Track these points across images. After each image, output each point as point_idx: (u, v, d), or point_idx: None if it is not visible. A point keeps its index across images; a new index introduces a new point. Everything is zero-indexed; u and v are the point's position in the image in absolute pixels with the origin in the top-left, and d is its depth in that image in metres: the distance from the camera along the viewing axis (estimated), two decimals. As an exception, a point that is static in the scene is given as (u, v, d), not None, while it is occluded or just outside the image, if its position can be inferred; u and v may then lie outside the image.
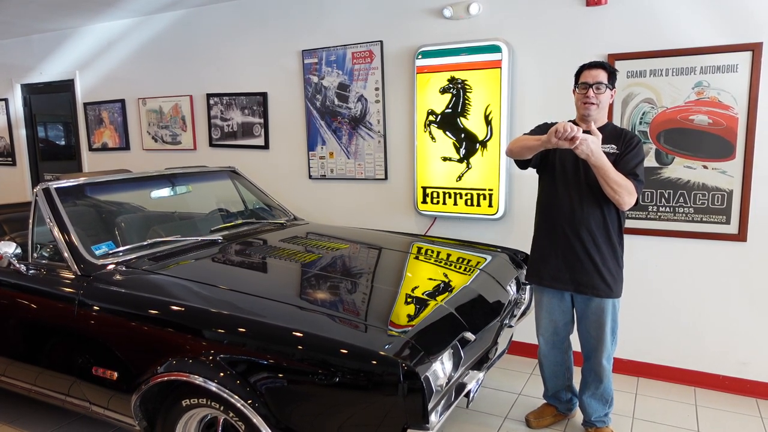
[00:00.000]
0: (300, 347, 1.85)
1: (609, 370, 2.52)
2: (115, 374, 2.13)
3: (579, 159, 2.35)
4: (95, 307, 2.21)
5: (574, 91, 2.46)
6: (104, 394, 2.22)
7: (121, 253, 2.50)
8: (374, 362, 1.74)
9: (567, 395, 2.76)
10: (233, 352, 1.91)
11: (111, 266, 2.39)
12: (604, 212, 2.39)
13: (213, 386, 1.89)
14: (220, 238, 2.84)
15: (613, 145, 2.37)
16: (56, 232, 2.42)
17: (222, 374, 1.90)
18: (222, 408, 1.95)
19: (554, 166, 2.48)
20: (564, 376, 2.71)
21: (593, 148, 2.18)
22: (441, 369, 1.89)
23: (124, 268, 2.39)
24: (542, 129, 2.54)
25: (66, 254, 2.37)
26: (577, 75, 2.45)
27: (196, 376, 1.92)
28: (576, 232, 2.41)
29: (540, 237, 2.57)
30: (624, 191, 2.27)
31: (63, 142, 5.80)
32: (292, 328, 1.90)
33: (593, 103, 2.36)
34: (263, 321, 1.96)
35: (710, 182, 2.96)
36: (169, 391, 2.08)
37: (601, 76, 2.35)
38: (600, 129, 2.37)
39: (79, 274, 2.33)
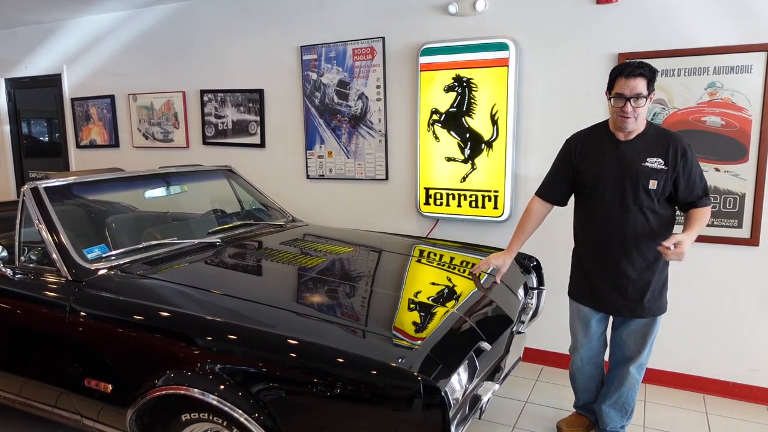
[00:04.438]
0: (308, 358, 1.74)
1: (638, 380, 2.42)
2: (110, 386, 2.01)
3: (625, 181, 2.23)
4: (88, 315, 2.08)
5: (607, 93, 2.24)
6: (97, 406, 2.09)
7: (114, 257, 2.37)
8: (389, 375, 1.63)
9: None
10: (235, 363, 1.80)
11: (104, 271, 2.26)
12: (655, 231, 2.24)
13: (213, 399, 1.78)
14: (218, 240, 2.72)
15: (660, 159, 2.18)
16: (45, 234, 2.28)
17: (223, 387, 1.79)
18: (224, 423, 1.84)
19: (596, 188, 2.30)
20: (597, 389, 2.61)
21: (684, 250, 2.06)
22: (458, 382, 1.80)
23: (118, 273, 2.26)
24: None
25: (56, 258, 2.24)
26: (611, 80, 2.18)
27: (195, 389, 1.81)
28: (629, 258, 2.26)
29: (588, 263, 2.41)
30: (703, 227, 2.22)
31: (49, 139, 5.61)
32: (299, 337, 1.79)
33: (630, 117, 2.16)
34: (268, 330, 1.85)
35: (722, 185, 2.90)
36: (167, 404, 1.96)
37: (641, 86, 2.10)
38: (639, 135, 2.24)
39: (69, 279, 2.19)
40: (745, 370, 3.00)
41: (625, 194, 2.23)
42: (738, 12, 2.79)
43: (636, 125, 2.21)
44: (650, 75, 2.14)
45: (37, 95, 5.50)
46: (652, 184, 2.19)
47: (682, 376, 3.13)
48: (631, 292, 2.29)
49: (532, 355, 3.43)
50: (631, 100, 2.12)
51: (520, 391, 3.12)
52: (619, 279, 2.30)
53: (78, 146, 5.19)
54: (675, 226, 2.33)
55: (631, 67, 2.13)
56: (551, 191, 2.48)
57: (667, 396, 3.07)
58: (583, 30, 3.11)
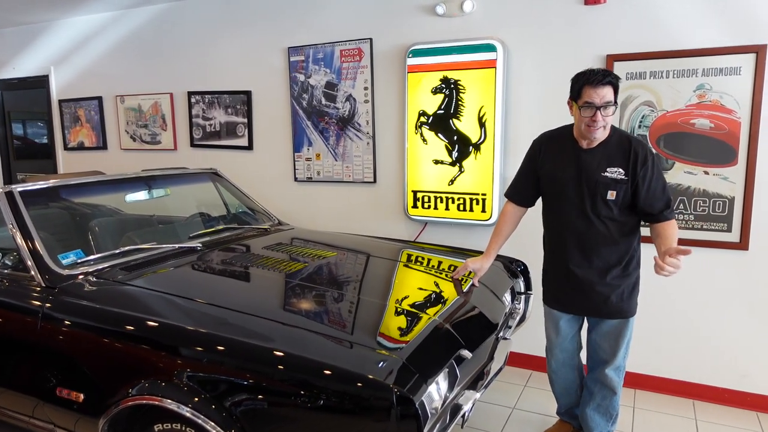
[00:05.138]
0: (282, 368, 1.70)
1: (618, 382, 2.38)
2: (81, 396, 1.96)
3: (584, 190, 2.18)
4: (60, 322, 2.03)
5: (570, 103, 2.20)
6: (70, 416, 2.04)
7: (90, 262, 2.32)
8: (364, 386, 1.59)
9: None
10: (209, 374, 1.75)
11: (80, 276, 2.21)
12: (615, 236, 2.21)
13: (187, 412, 1.73)
14: (200, 245, 2.67)
15: (620, 169, 2.14)
16: (19, 239, 2.23)
17: (197, 398, 1.74)
18: (198, 434, 1.79)
19: (555, 194, 2.30)
20: (576, 393, 2.58)
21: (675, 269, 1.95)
22: (436, 391, 1.75)
23: (93, 279, 2.21)
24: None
25: (29, 264, 2.19)
26: (578, 89, 2.11)
27: (169, 401, 1.76)
28: (589, 262, 2.24)
29: (552, 265, 2.41)
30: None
31: (39, 141, 5.56)
32: (274, 347, 1.74)
33: (599, 127, 2.10)
34: (243, 340, 1.80)
35: (711, 188, 2.86)
36: (140, 414, 1.91)
37: (609, 94, 2.05)
38: (602, 143, 2.19)
39: (43, 285, 2.15)
40: (735, 376, 2.96)
41: (584, 203, 2.20)
42: (727, 13, 2.75)
43: (604, 134, 2.16)
44: (616, 83, 2.09)
45: (26, 96, 5.45)
46: (611, 195, 2.15)
47: (671, 381, 3.09)
48: (595, 296, 2.27)
49: (520, 360, 3.39)
50: (601, 109, 2.07)
51: (507, 398, 3.08)
52: (581, 284, 2.28)
53: (66, 148, 5.14)
54: (641, 228, 2.30)
55: (598, 75, 2.06)
56: (517, 192, 2.46)
57: (655, 402, 3.03)
58: (572, 31, 3.07)
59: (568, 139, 2.27)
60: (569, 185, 2.23)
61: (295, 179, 4.02)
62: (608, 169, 2.15)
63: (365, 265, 2.76)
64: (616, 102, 2.10)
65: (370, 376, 1.60)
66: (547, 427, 2.72)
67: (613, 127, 2.23)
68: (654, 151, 2.19)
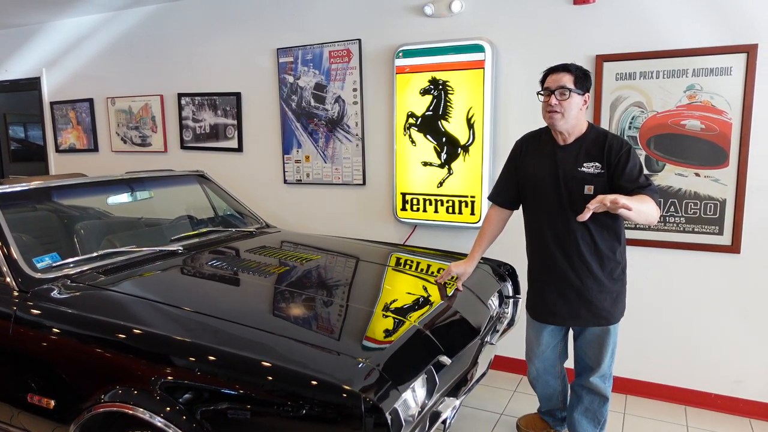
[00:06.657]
0: (254, 377, 1.65)
1: (604, 388, 2.34)
2: (52, 402, 1.92)
3: (561, 187, 2.15)
4: (31, 326, 1.99)
5: (539, 96, 2.21)
6: (42, 423, 1.99)
7: (67, 266, 2.28)
8: (336, 394, 1.55)
9: (562, 414, 2.62)
10: (182, 383, 1.71)
11: (53, 281, 2.17)
12: (595, 237, 2.16)
13: (159, 421, 1.69)
14: (181, 248, 2.63)
15: (597, 163, 2.12)
16: (-7, 242, 2.19)
17: (169, 408, 1.69)
18: (168, 443, 1.75)
19: (534, 193, 2.27)
20: (558, 399, 2.56)
21: (625, 204, 1.85)
22: (412, 398, 1.71)
23: (68, 283, 2.17)
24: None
25: (4, 268, 2.15)
26: (542, 81, 2.20)
27: (141, 409, 1.72)
28: (569, 265, 2.20)
29: (533, 270, 2.37)
30: (651, 215, 1.99)
31: (36, 143, 5.53)
32: (246, 355, 1.70)
33: (557, 111, 2.10)
34: (216, 347, 1.75)
35: (702, 191, 2.81)
36: (112, 420, 1.87)
37: (565, 79, 2.09)
38: (578, 139, 2.17)
39: (17, 289, 2.11)
40: (727, 382, 2.91)
41: (562, 201, 2.17)
42: (718, 13, 2.70)
43: (567, 124, 2.14)
44: (576, 72, 2.12)
45: (20, 99, 5.43)
46: (588, 190, 2.12)
47: (663, 387, 3.04)
48: (577, 301, 2.22)
49: (510, 365, 3.34)
50: (556, 92, 2.09)
51: (496, 403, 3.03)
52: (563, 288, 2.24)
53: (57, 150, 5.12)
54: (626, 231, 2.25)
55: (557, 65, 2.15)
56: (499, 193, 2.45)
57: (647, 408, 2.97)
58: (560, 31, 3.03)
59: (547, 137, 2.26)
60: (547, 182, 2.20)
61: (285, 181, 3.98)
62: (585, 164, 2.13)
63: (354, 270, 2.72)
64: (578, 90, 2.10)
65: (342, 385, 1.56)
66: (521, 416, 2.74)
67: (590, 125, 2.21)
68: (632, 144, 2.16)
